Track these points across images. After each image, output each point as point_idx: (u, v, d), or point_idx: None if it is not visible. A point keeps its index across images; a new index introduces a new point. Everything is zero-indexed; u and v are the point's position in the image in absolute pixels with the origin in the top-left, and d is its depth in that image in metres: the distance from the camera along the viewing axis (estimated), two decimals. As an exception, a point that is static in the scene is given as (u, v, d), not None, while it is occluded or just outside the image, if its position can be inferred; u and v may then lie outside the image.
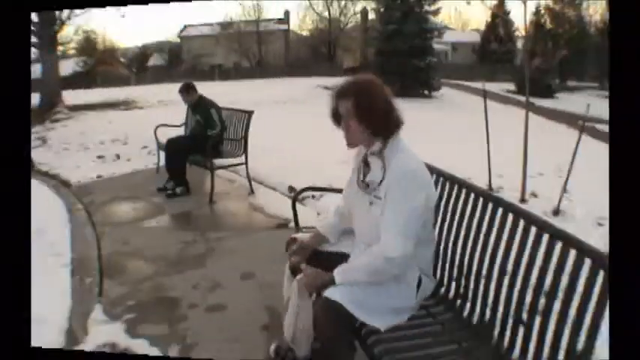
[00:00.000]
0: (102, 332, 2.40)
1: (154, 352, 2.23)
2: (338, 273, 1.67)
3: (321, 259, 1.89)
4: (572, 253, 1.38)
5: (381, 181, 1.65)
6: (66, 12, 13.77)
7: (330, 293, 1.61)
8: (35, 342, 2.18)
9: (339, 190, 2.43)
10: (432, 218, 1.84)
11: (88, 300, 2.75)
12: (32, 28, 12.69)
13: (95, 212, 4.41)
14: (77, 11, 14.05)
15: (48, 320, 2.42)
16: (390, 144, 1.67)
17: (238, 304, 2.68)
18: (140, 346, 2.26)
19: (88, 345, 2.29)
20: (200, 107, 5.06)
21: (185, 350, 2.25)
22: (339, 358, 1.63)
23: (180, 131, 5.74)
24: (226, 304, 2.69)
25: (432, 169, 2.01)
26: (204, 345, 2.29)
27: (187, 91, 5.10)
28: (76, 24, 29.34)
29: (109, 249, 3.53)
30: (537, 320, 1.45)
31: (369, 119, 1.63)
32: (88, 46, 36.00)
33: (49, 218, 4.04)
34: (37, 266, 2.97)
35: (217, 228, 4.04)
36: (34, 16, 12.72)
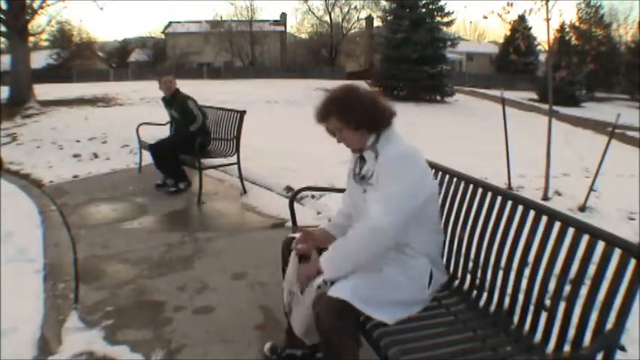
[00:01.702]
0: (78, 340, 2.41)
1: (136, 357, 2.24)
2: (323, 256, 1.76)
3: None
4: (601, 244, 1.51)
5: (374, 171, 1.80)
6: (38, 0, 13.89)
7: (333, 291, 1.66)
8: (5, 354, 2.20)
9: (338, 190, 2.49)
10: (437, 209, 1.94)
11: (63, 307, 2.75)
12: (1, 16, 12.77)
13: (70, 214, 4.42)
14: (50, 0, 14.17)
15: (19, 330, 2.43)
16: (383, 136, 1.84)
17: (228, 305, 2.71)
18: (120, 353, 2.27)
19: (63, 354, 2.30)
20: (176, 101, 5.17)
21: (170, 354, 2.27)
22: (345, 354, 1.67)
23: (164, 130, 5.81)
24: (215, 305, 2.72)
25: (440, 168, 2.26)
26: (190, 348, 2.32)
27: (172, 80, 5.23)
28: (49, 14, 29.60)
29: (86, 252, 3.53)
30: (562, 306, 1.54)
31: (360, 123, 1.81)
32: (63, 37, 36.21)
33: (19, 221, 4.05)
34: (6, 272, 3.01)
35: (206, 228, 4.08)
36: (2, 4, 12.82)
